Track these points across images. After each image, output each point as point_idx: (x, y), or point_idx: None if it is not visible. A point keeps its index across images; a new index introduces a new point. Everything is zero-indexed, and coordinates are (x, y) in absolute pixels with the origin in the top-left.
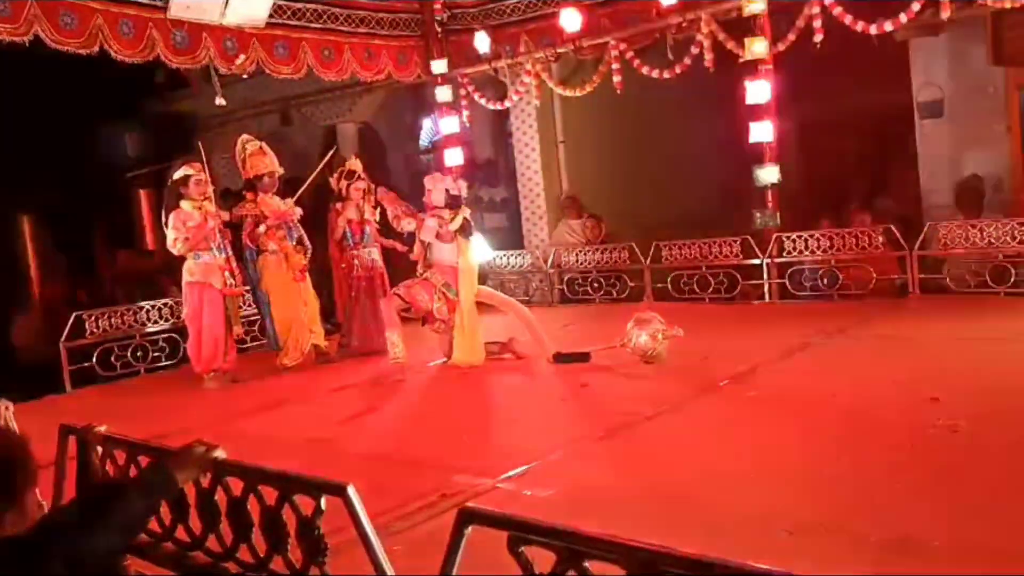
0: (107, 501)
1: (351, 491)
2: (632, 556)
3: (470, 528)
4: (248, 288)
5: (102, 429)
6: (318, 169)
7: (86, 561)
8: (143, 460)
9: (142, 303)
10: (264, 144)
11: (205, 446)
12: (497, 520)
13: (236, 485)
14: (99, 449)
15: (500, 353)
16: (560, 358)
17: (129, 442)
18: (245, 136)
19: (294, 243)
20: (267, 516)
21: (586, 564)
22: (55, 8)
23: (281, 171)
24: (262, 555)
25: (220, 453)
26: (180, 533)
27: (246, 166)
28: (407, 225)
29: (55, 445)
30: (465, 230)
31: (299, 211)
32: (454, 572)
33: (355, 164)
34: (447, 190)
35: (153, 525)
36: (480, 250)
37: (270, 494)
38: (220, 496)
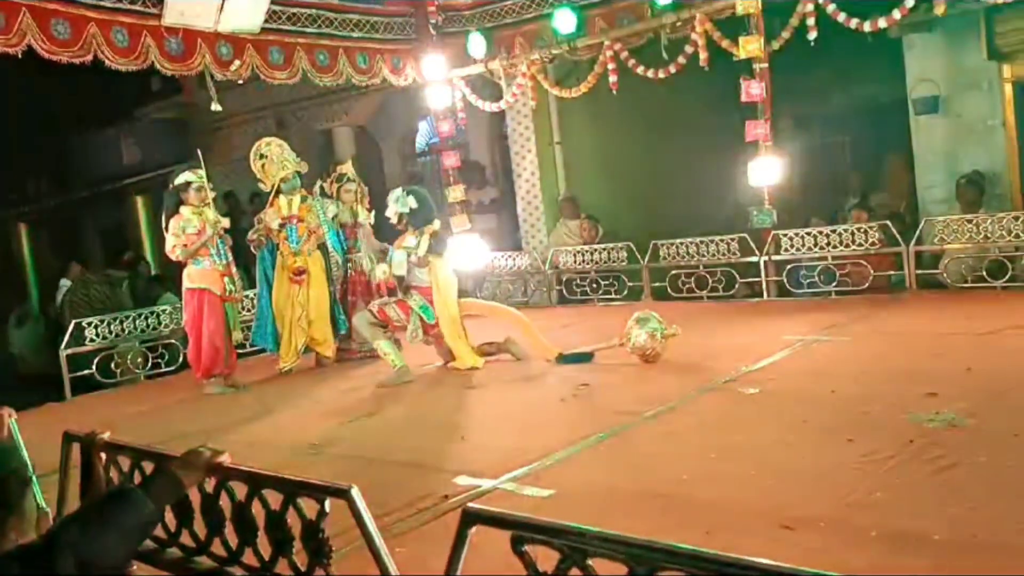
0: (115, 505)
1: (355, 493)
2: (635, 553)
3: (474, 528)
4: (247, 295)
5: (105, 436)
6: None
7: (96, 564)
8: (147, 466)
9: (141, 310)
10: (272, 146)
11: (210, 450)
12: (500, 520)
13: (240, 489)
14: (103, 456)
15: (497, 353)
16: (563, 359)
17: (133, 448)
18: (255, 146)
19: (296, 246)
20: (271, 520)
21: (589, 562)
22: (48, 18)
23: (298, 168)
24: (267, 559)
25: (224, 457)
26: (184, 538)
27: (264, 177)
28: (381, 274)
29: (58, 452)
30: (435, 248)
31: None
32: (458, 572)
33: (346, 167)
34: (397, 202)
35: (157, 530)
36: (475, 254)
37: (274, 498)
38: (224, 500)
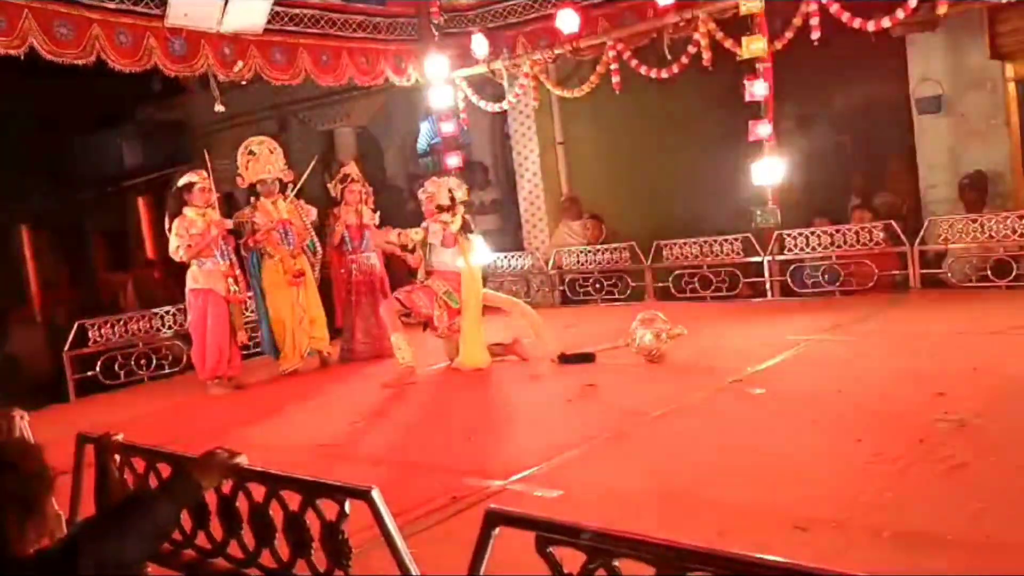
0: (135, 509)
1: (376, 494)
2: (664, 555)
3: (497, 530)
4: (251, 295)
5: (119, 437)
6: (303, 179)
7: (115, 568)
8: (162, 468)
9: (144, 312)
10: (265, 146)
11: (228, 452)
12: (526, 521)
13: (257, 490)
14: (117, 457)
15: (504, 355)
16: (565, 359)
17: (148, 450)
18: (247, 141)
19: (290, 248)
20: (290, 521)
21: (615, 563)
22: (50, 19)
23: (280, 175)
24: (285, 560)
25: (242, 459)
26: (200, 539)
27: (245, 173)
28: (415, 235)
29: (66, 454)
30: (466, 228)
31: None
32: (482, 573)
33: (350, 168)
34: (450, 190)
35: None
36: (481, 252)
37: (292, 499)
38: (241, 501)
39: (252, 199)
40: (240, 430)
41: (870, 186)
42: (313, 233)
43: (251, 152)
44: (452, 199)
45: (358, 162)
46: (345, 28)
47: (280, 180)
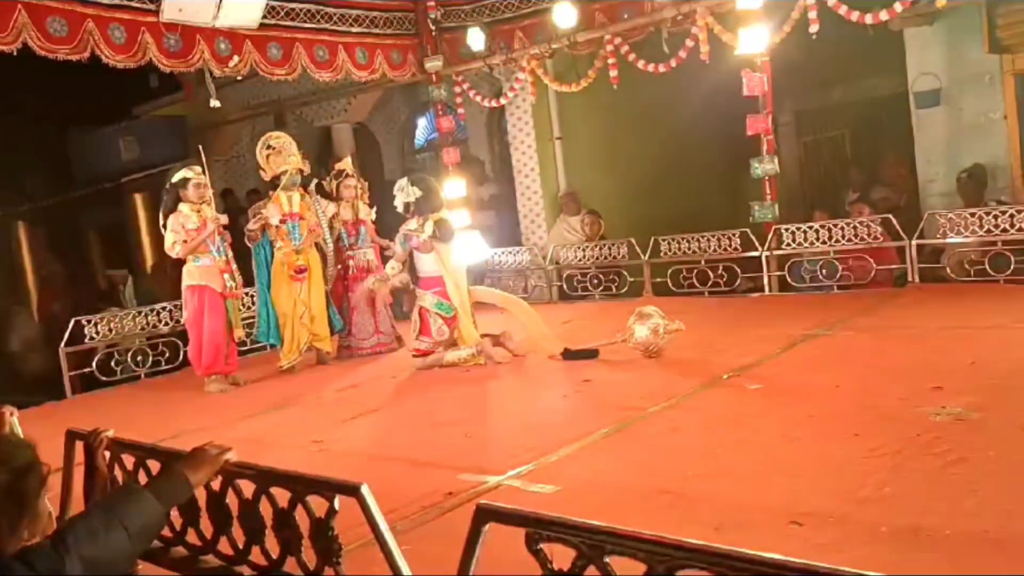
0: (122, 506)
1: (365, 491)
2: (655, 551)
3: (488, 526)
4: (248, 291)
5: (109, 434)
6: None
7: (104, 566)
8: (152, 464)
9: (141, 308)
10: (283, 140)
11: (217, 448)
12: (516, 517)
13: (247, 487)
14: (107, 454)
15: (493, 346)
16: (569, 355)
17: (138, 446)
18: (264, 137)
19: (298, 243)
20: (280, 518)
21: (607, 560)
22: (44, 15)
23: (301, 165)
24: (275, 557)
25: (232, 455)
26: (191, 536)
27: (267, 167)
28: (391, 270)
29: (60, 450)
30: (440, 234)
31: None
32: (472, 569)
33: (344, 163)
34: (402, 192)
35: (163, 529)
36: (475, 249)
37: (282, 495)
38: (231, 498)
39: (271, 192)
40: (236, 426)
41: (868, 180)
42: (326, 230)
43: (269, 147)
44: (415, 203)
45: (354, 158)
46: (341, 23)
47: (301, 171)
